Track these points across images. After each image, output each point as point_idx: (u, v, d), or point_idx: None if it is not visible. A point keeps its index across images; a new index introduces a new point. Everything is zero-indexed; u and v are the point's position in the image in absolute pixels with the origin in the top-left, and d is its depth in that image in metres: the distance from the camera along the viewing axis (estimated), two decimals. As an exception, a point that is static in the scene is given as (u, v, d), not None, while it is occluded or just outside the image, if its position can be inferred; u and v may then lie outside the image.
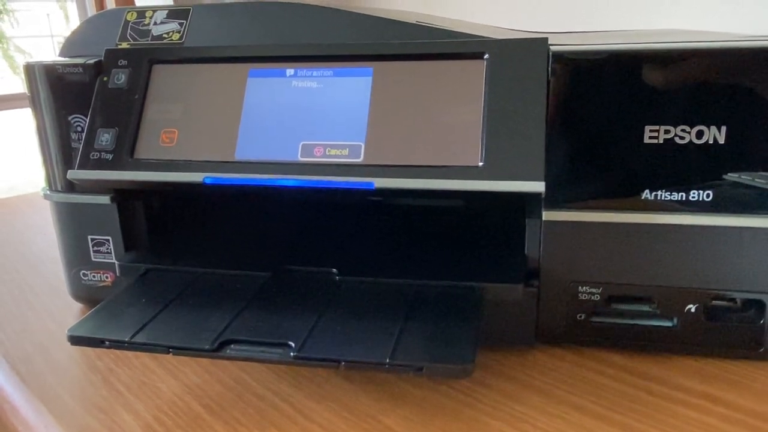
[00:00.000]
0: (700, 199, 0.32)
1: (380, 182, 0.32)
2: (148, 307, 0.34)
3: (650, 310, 0.35)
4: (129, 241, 0.41)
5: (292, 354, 0.29)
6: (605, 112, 0.32)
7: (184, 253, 0.41)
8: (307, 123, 0.35)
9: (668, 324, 0.34)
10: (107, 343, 0.31)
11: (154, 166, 0.36)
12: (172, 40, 0.39)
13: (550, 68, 0.32)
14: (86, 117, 0.38)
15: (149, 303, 0.34)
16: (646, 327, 0.35)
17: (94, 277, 0.42)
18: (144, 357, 0.37)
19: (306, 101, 0.35)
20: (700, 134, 0.31)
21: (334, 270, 0.37)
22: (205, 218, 0.47)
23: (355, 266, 0.37)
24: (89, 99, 0.38)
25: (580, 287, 0.35)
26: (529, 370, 0.35)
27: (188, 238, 0.43)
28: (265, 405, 0.32)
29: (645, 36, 0.38)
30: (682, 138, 0.31)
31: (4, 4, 2.80)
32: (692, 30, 0.48)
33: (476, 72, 0.33)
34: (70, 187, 0.40)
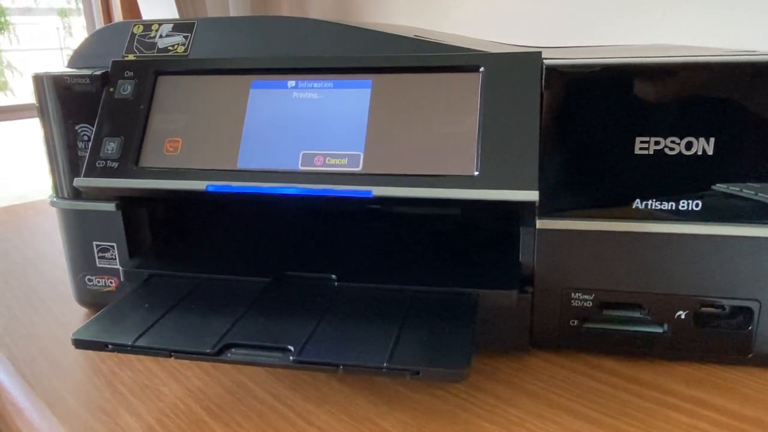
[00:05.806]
0: (690, 208, 0.33)
1: (378, 191, 0.33)
2: (150, 311, 0.34)
3: (641, 316, 0.35)
4: (133, 248, 0.42)
5: (291, 358, 0.30)
6: (597, 124, 0.33)
7: (187, 260, 0.41)
8: (308, 133, 0.36)
9: (659, 330, 0.35)
10: (111, 346, 0.31)
11: (158, 174, 0.37)
12: (177, 52, 0.40)
13: (543, 81, 0.33)
14: (93, 126, 0.39)
15: (152, 308, 0.35)
16: (638, 333, 0.35)
17: (98, 282, 0.43)
18: (147, 360, 0.38)
19: (307, 112, 0.36)
20: (689, 146, 0.32)
21: (333, 276, 0.37)
22: (207, 225, 0.47)
23: (353, 272, 0.38)
24: (96, 109, 0.39)
25: (573, 294, 0.35)
26: (524, 374, 0.35)
27: (191, 245, 0.44)
28: (265, 408, 0.33)
29: (636, 51, 0.39)
30: (671, 149, 0.32)
31: (3, 17, 2.77)
32: (681, 45, 0.49)
33: (472, 84, 0.34)
34: (77, 194, 0.41)
